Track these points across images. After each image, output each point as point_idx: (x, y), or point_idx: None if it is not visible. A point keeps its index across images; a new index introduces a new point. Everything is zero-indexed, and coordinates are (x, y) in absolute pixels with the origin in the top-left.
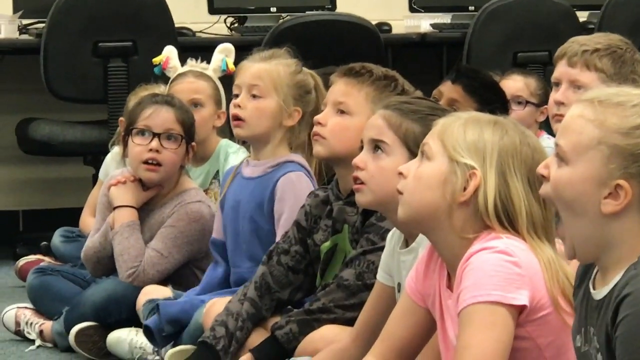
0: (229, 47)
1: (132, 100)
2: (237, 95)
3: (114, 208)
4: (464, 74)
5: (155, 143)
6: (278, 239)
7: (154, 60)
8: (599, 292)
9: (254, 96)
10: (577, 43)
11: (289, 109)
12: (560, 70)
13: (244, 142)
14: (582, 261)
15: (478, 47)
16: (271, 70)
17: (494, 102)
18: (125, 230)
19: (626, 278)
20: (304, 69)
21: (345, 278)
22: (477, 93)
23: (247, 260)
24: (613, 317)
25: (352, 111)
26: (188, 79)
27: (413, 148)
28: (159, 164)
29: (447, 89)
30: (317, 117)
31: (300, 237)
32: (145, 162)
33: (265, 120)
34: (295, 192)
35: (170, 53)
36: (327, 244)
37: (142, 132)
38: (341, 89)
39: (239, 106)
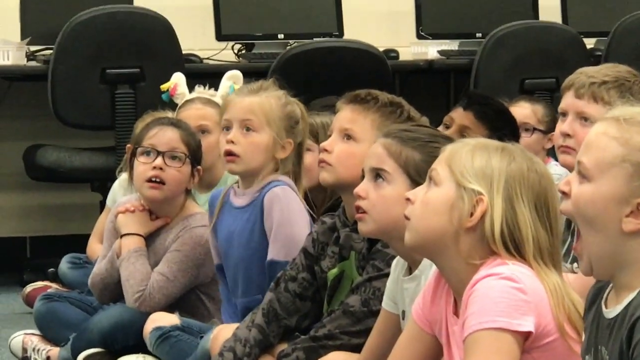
0: (236, 74)
1: (140, 127)
2: (227, 129)
3: (121, 235)
4: (476, 101)
5: (159, 161)
6: (270, 255)
7: (162, 86)
8: (612, 311)
9: (247, 130)
10: (584, 75)
11: (282, 141)
12: (567, 101)
13: None
14: (598, 277)
15: (485, 74)
16: (263, 103)
17: (504, 128)
18: (132, 256)
19: None
20: (290, 98)
21: (351, 304)
22: (488, 120)
23: (246, 290)
24: (628, 335)
25: (358, 138)
26: (195, 105)
27: (414, 176)
28: (162, 182)
29: (459, 116)
30: (324, 144)
31: (307, 264)
32: (149, 180)
33: (259, 154)
34: (280, 204)
35: (178, 80)
36: (334, 271)
37: (147, 152)
38: (347, 115)
39: (232, 142)
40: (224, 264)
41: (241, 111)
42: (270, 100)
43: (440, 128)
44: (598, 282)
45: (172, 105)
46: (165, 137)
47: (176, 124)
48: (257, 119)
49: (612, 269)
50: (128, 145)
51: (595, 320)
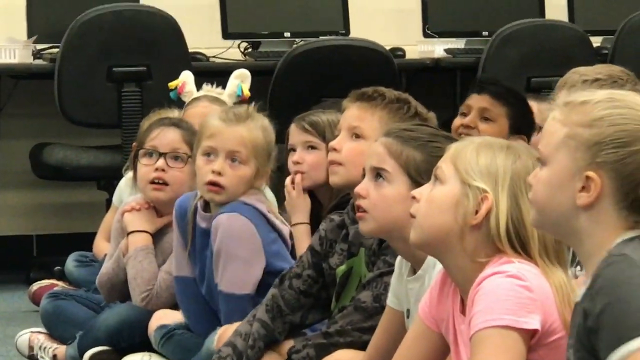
0: (245, 72)
1: (146, 125)
2: (208, 155)
3: (128, 233)
4: (488, 83)
5: (161, 162)
6: (215, 279)
7: (170, 84)
8: (578, 296)
9: (233, 161)
10: (577, 73)
11: (263, 171)
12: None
13: None
14: (539, 229)
15: (492, 72)
16: (252, 137)
17: (518, 105)
18: (139, 255)
19: (597, 272)
20: (268, 124)
21: (362, 300)
22: (504, 97)
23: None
24: (586, 310)
25: (366, 135)
26: (202, 103)
27: (414, 176)
28: (165, 183)
29: (475, 101)
30: (332, 143)
31: (313, 262)
32: (152, 182)
33: (243, 187)
34: (222, 234)
35: (186, 78)
36: (342, 268)
37: (149, 154)
38: (354, 113)
39: (219, 173)
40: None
41: (230, 142)
42: (258, 132)
43: (457, 118)
44: None
45: (179, 104)
46: (166, 138)
47: (177, 124)
48: (246, 151)
49: (561, 237)
50: (134, 144)
51: (575, 307)
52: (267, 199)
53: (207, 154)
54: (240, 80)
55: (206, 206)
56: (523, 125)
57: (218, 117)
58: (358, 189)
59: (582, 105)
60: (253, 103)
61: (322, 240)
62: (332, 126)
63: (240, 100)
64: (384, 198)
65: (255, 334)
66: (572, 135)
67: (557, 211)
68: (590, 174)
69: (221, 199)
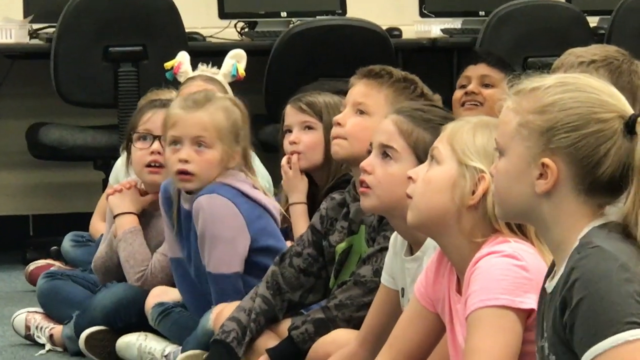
0: (240, 52)
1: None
2: (174, 144)
3: (115, 216)
4: (483, 53)
5: (156, 145)
6: (204, 261)
7: (165, 65)
8: (550, 285)
9: (199, 146)
10: (573, 55)
11: (232, 151)
12: None
13: None
14: (506, 220)
15: None
16: (214, 120)
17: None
18: (128, 237)
19: (571, 264)
20: (231, 103)
21: (362, 274)
22: (500, 63)
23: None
24: (562, 303)
25: (371, 112)
26: (197, 82)
27: (422, 157)
28: (161, 166)
29: (473, 70)
30: (337, 118)
31: (314, 240)
32: (148, 165)
33: (213, 170)
34: (203, 215)
35: (182, 58)
36: (342, 245)
37: (143, 137)
38: (361, 90)
39: (187, 161)
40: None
41: (192, 128)
42: (219, 113)
43: (457, 91)
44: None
45: (175, 84)
46: (159, 120)
47: (169, 105)
48: (210, 135)
49: (528, 222)
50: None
51: (541, 299)
52: (249, 176)
53: (174, 142)
54: (236, 60)
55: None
56: None
57: (178, 105)
58: (364, 164)
59: (533, 92)
60: (208, 92)
61: (322, 218)
62: (329, 107)
63: (236, 80)
64: (389, 176)
65: (257, 309)
66: (524, 123)
67: (518, 201)
68: (546, 160)
69: (193, 186)
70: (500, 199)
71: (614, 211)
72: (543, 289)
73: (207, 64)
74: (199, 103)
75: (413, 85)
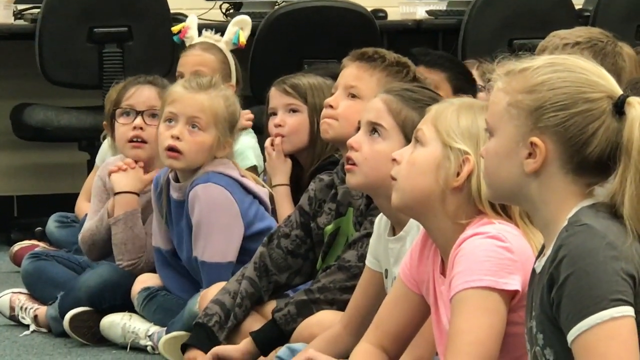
0: (245, 19)
1: (121, 86)
2: (170, 121)
3: (115, 194)
4: (419, 55)
5: (138, 120)
6: (194, 252)
7: (173, 28)
8: (539, 265)
9: (193, 127)
10: (557, 37)
11: (224, 140)
12: None
13: None
14: (496, 201)
15: (474, 34)
16: (213, 104)
17: (456, 68)
18: (129, 219)
19: (559, 242)
20: (233, 96)
21: (347, 259)
22: (438, 63)
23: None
24: (549, 280)
25: (363, 95)
26: (195, 51)
27: (410, 136)
28: (144, 141)
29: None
30: (328, 100)
31: (302, 222)
32: (131, 141)
33: (202, 154)
34: (200, 204)
35: (191, 23)
36: (330, 227)
37: (126, 113)
38: (353, 72)
39: (178, 138)
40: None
41: (190, 108)
42: (220, 101)
43: None
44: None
45: (184, 47)
46: (142, 96)
47: (153, 81)
48: (206, 118)
49: (517, 203)
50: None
51: (531, 280)
52: (236, 165)
53: (169, 119)
54: (239, 27)
55: (177, 177)
56: (464, 85)
57: (181, 85)
58: (351, 141)
59: (522, 72)
60: (217, 75)
61: (311, 200)
62: (313, 89)
63: (237, 48)
64: (376, 153)
65: (243, 292)
66: (513, 103)
67: (507, 181)
68: (534, 139)
69: (180, 165)
70: (490, 180)
71: (603, 192)
72: (533, 270)
73: (211, 30)
74: (202, 86)
75: (406, 69)
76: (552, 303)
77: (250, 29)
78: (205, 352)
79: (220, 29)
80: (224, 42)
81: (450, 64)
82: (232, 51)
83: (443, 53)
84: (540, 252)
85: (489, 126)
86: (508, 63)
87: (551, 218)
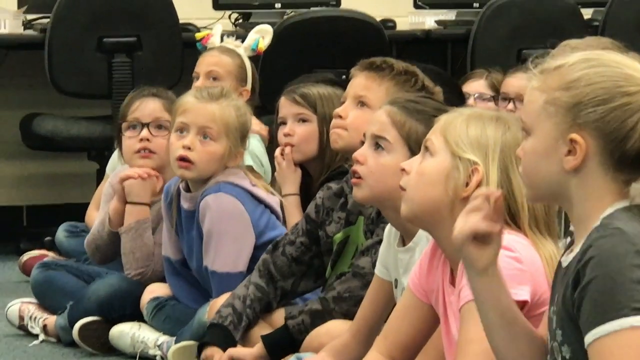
0: (266, 28)
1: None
2: (181, 131)
3: (128, 202)
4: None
5: (145, 132)
6: (205, 262)
7: (196, 35)
8: (567, 259)
9: (204, 137)
10: (569, 46)
11: (235, 151)
12: None
13: None
14: (535, 202)
15: (483, 44)
16: (224, 114)
17: (445, 83)
18: (140, 227)
19: (589, 241)
20: (244, 107)
21: (362, 266)
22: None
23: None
24: (575, 279)
25: (372, 105)
26: (213, 52)
27: (415, 148)
28: (152, 152)
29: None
30: (337, 110)
31: (308, 229)
32: (138, 152)
33: (213, 164)
34: (211, 213)
35: (215, 30)
36: (339, 236)
37: (132, 126)
38: (362, 82)
39: (189, 148)
40: (192, 264)
41: (201, 118)
42: (231, 111)
43: None
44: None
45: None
46: (147, 108)
47: (157, 94)
48: (217, 128)
49: (555, 201)
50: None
51: (558, 271)
52: (248, 174)
53: (180, 130)
54: (260, 35)
55: (188, 187)
56: (452, 98)
57: (192, 95)
58: (356, 155)
59: (558, 69)
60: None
61: (318, 208)
62: (323, 99)
63: (255, 54)
64: (381, 167)
65: (251, 296)
66: (551, 101)
67: (547, 180)
68: (574, 136)
69: (191, 175)
70: (529, 180)
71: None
72: (559, 264)
73: (234, 37)
74: (213, 96)
75: (414, 78)
76: (574, 302)
77: (270, 37)
78: (223, 349)
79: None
80: (243, 48)
81: (437, 77)
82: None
83: (430, 66)
84: (568, 246)
85: (525, 125)
86: (542, 62)
87: (586, 216)
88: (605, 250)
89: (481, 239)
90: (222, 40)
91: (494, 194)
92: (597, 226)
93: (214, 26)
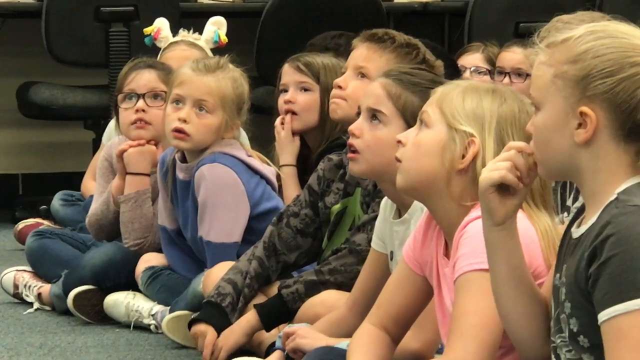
0: (220, 20)
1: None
2: (177, 103)
3: (127, 173)
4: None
5: (140, 103)
6: (200, 232)
7: (145, 30)
8: (578, 231)
9: (200, 109)
10: (561, 21)
11: (232, 122)
12: None
13: None
14: (548, 178)
15: (480, 17)
16: (220, 87)
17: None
18: (140, 198)
19: (608, 217)
20: (241, 78)
21: (358, 243)
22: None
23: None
24: (591, 254)
25: (372, 76)
26: (180, 47)
27: (410, 120)
28: (147, 123)
29: None
30: (337, 81)
31: (311, 201)
32: (134, 123)
33: (209, 136)
34: (205, 184)
35: (161, 24)
36: (337, 207)
37: (128, 97)
38: (362, 53)
39: (185, 120)
40: (186, 234)
41: (197, 91)
42: (227, 83)
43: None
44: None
45: (155, 50)
46: (143, 79)
47: (153, 65)
48: (213, 100)
49: (568, 176)
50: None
51: (565, 238)
52: (243, 145)
53: (176, 101)
54: (217, 27)
55: (184, 158)
56: (449, 72)
57: (189, 66)
58: (352, 128)
59: (564, 42)
60: (226, 55)
61: (320, 179)
62: (327, 69)
63: (219, 47)
64: (377, 140)
65: (252, 272)
66: (559, 74)
67: (558, 154)
68: (584, 108)
69: (187, 146)
70: (541, 155)
71: None
72: (567, 232)
73: (189, 30)
74: (209, 68)
75: (415, 51)
76: (589, 277)
77: (225, 28)
78: (216, 329)
79: (226, 9)
80: (203, 41)
81: (433, 51)
82: (213, 50)
83: (425, 40)
84: (575, 216)
85: (534, 100)
86: (548, 36)
87: (599, 189)
88: (627, 227)
89: (505, 190)
90: (174, 34)
91: (527, 148)
92: (614, 201)
93: (157, 20)
